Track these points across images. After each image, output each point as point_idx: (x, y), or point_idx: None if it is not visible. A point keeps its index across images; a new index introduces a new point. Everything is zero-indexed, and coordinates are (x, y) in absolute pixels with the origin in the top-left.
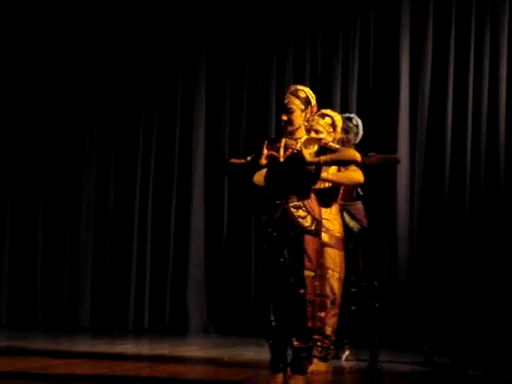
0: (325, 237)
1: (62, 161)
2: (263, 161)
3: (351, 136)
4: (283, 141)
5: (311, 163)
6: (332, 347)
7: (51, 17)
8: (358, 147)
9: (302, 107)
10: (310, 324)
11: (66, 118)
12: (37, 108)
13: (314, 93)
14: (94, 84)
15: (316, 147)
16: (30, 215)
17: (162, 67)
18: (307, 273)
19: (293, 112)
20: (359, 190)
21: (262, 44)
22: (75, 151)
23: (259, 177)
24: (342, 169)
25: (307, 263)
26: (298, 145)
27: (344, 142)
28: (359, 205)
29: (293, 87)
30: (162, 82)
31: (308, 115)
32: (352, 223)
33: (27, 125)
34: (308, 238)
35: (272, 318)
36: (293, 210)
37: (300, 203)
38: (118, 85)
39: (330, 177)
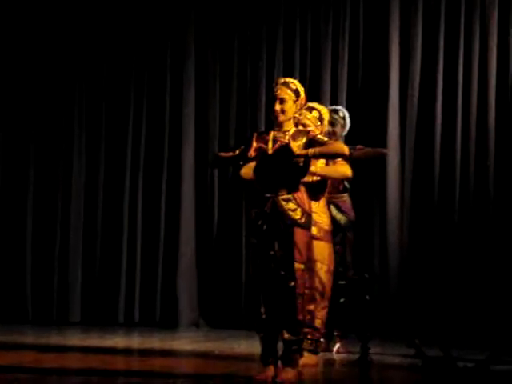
0: (313, 230)
1: (50, 154)
2: (252, 153)
3: (337, 128)
4: (272, 133)
5: (299, 156)
6: (322, 340)
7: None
8: (346, 140)
9: (294, 98)
10: (300, 317)
11: (54, 109)
12: (25, 99)
13: (303, 85)
14: (83, 75)
15: (304, 140)
16: (18, 209)
17: (151, 58)
18: (297, 265)
19: (286, 102)
20: (346, 182)
21: (252, 35)
22: (64, 143)
23: (247, 169)
24: (330, 162)
25: (297, 256)
26: (286, 137)
27: (330, 135)
28: (346, 198)
29: (282, 79)
30: (150, 78)
31: (298, 107)
32: (339, 216)
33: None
34: (298, 231)
35: (262, 310)
36: (283, 202)
37: (290, 196)
38: (107, 80)
39: (318, 170)
